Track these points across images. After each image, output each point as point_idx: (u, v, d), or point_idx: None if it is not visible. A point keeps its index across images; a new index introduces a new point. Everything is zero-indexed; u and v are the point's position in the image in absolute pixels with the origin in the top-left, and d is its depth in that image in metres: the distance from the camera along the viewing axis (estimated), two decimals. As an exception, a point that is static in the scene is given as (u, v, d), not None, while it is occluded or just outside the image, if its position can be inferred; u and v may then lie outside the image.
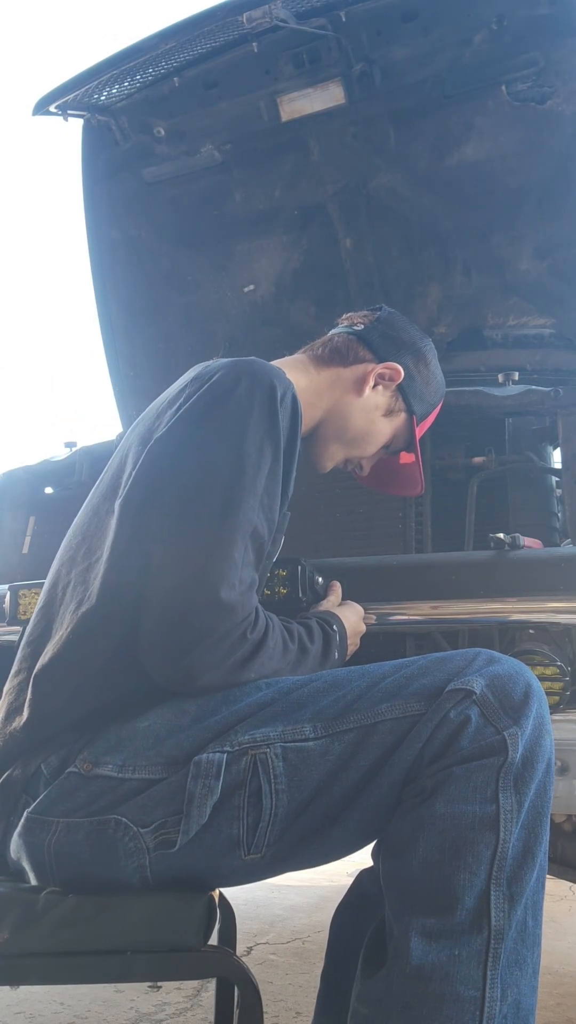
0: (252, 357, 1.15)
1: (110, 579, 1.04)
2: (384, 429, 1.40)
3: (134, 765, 0.94)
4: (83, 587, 1.07)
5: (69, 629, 1.04)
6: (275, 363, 1.26)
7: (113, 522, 1.08)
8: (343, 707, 0.94)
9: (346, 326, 1.43)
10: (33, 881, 0.98)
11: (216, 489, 1.01)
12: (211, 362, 1.16)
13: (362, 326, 1.41)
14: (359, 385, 1.35)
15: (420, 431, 1.45)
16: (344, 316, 1.46)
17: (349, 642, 1.22)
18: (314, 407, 1.33)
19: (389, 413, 1.39)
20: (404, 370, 1.37)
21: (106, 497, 1.14)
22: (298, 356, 1.40)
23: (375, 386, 1.36)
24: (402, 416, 1.41)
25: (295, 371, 1.30)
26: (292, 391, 1.11)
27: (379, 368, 1.36)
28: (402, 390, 1.38)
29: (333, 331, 1.43)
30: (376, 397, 1.37)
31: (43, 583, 1.18)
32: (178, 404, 1.10)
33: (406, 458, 1.48)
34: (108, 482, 1.16)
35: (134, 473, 1.08)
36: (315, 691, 0.97)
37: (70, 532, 1.19)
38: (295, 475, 1.14)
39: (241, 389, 1.06)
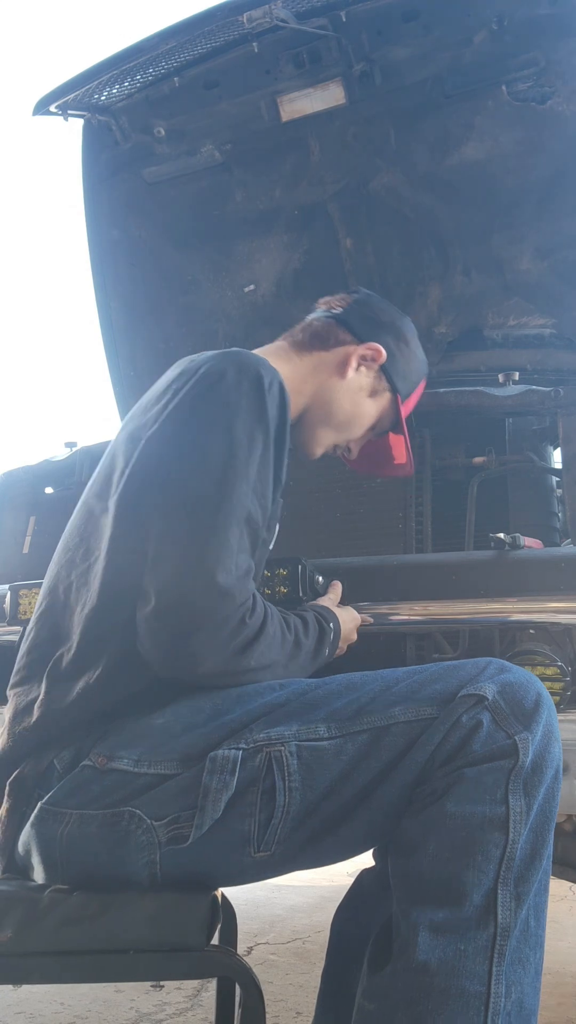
0: (237, 348, 1.16)
1: (109, 576, 1.04)
2: (370, 410, 1.40)
3: (150, 760, 0.95)
4: (86, 588, 1.07)
5: (78, 632, 1.05)
6: (256, 352, 1.26)
7: (109, 520, 1.08)
8: (357, 709, 0.95)
9: (324, 310, 1.43)
10: (40, 874, 0.98)
11: (209, 477, 1.01)
12: (196, 356, 1.16)
13: (340, 309, 1.41)
14: (342, 368, 1.35)
15: (405, 410, 1.45)
16: (321, 300, 1.47)
17: (339, 646, 1.22)
18: (299, 393, 1.34)
19: (374, 394, 1.40)
20: (386, 350, 1.38)
21: (100, 496, 1.14)
22: (278, 343, 1.40)
23: (358, 368, 1.37)
24: (387, 396, 1.41)
25: (277, 359, 1.30)
26: (279, 379, 1.11)
27: (361, 349, 1.36)
28: (385, 370, 1.39)
29: (311, 316, 1.44)
30: (360, 379, 1.37)
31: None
32: (166, 400, 1.11)
33: (394, 439, 1.49)
34: (100, 482, 1.16)
35: (128, 471, 1.09)
36: (329, 693, 0.98)
37: (65, 534, 1.19)
38: (288, 462, 1.15)
39: (228, 380, 1.07)
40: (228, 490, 1.00)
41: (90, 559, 1.10)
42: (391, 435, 1.49)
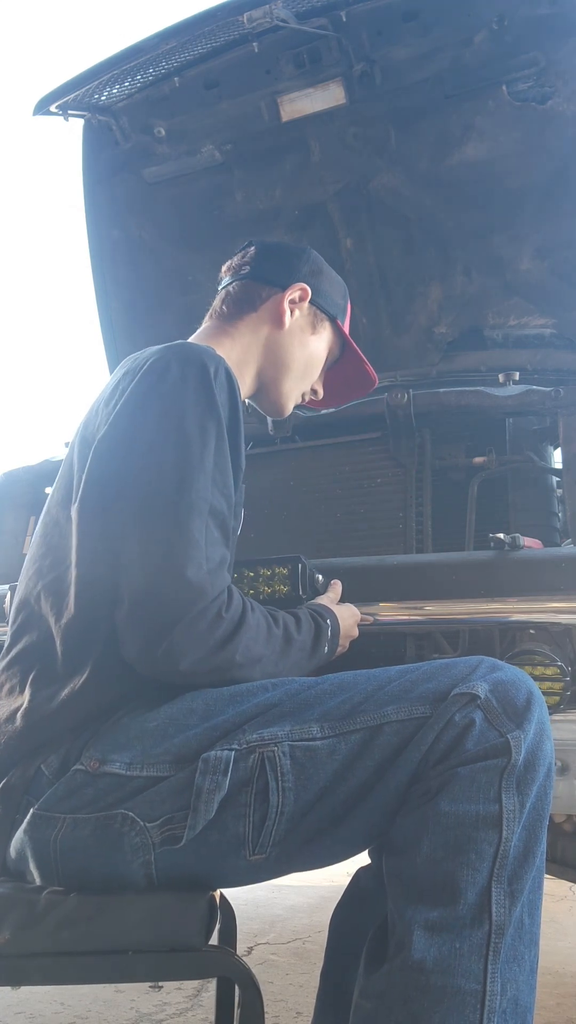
0: (180, 340, 1.16)
1: (83, 585, 1.05)
2: (319, 345, 1.43)
3: (142, 763, 0.94)
4: (56, 597, 1.07)
5: (60, 640, 1.05)
6: (192, 339, 1.27)
7: (73, 529, 1.08)
8: (350, 708, 0.95)
9: (232, 275, 1.44)
10: (36, 879, 0.98)
11: (165, 474, 1.01)
12: (140, 353, 1.16)
13: (248, 268, 1.43)
14: (278, 319, 1.37)
15: (346, 330, 1.49)
16: (223, 268, 1.48)
17: (339, 642, 1.22)
18: (249, 362, 1.36)
19: (315, 329, 1.42)
20: (308, 284, 1.40)
21: (62, 505, 1.14)
22: (208, 325, 1.41)
23: (292, 312, 1.39)
24: (327, 325, 1.44)
25: (216, 339, 1.32)
26: (224, 365, 1.11)
27: (288, 294, 1.38)
28: (315, 303, 1.42)
29: (223, 285, 1.45)
30: (298, 321, 1.40)
31: None
32: (115, 401, 1.11)
33: (349, 360, 1.51)
34: (62, 489, 1.16)
35: (85, 477, 1.09)
36: (322, 693, 0.97)
37: (33, 543, 1.19)
38: (245, 448, 1.16)
39: (173, 373, 1.07)
40: (186, 486, 1.00)
41: (58, 569, 1.09)
42: (344, 363, 1.52)
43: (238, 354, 1.34)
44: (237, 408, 1.11)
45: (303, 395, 1.46)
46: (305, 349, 1.40)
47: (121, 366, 1.18)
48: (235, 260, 1.46)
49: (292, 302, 1.38)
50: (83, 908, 0.91)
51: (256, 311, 1.38)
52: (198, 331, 1.40)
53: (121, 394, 1.10)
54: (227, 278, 1.44)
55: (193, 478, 1.01)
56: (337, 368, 1.52)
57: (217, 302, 1.42)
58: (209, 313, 1.43)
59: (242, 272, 1.42)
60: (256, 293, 1.39)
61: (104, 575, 1.02)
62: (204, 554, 0.98)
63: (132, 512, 1.01)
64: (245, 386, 1.37)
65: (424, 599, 1.36)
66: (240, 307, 1.38)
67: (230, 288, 1.41)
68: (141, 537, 0.99)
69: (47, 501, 1.20)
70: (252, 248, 1.45)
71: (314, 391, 1.48)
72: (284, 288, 1.38)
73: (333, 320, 1.44)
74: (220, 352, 1.16)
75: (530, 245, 2.13)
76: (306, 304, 1.40)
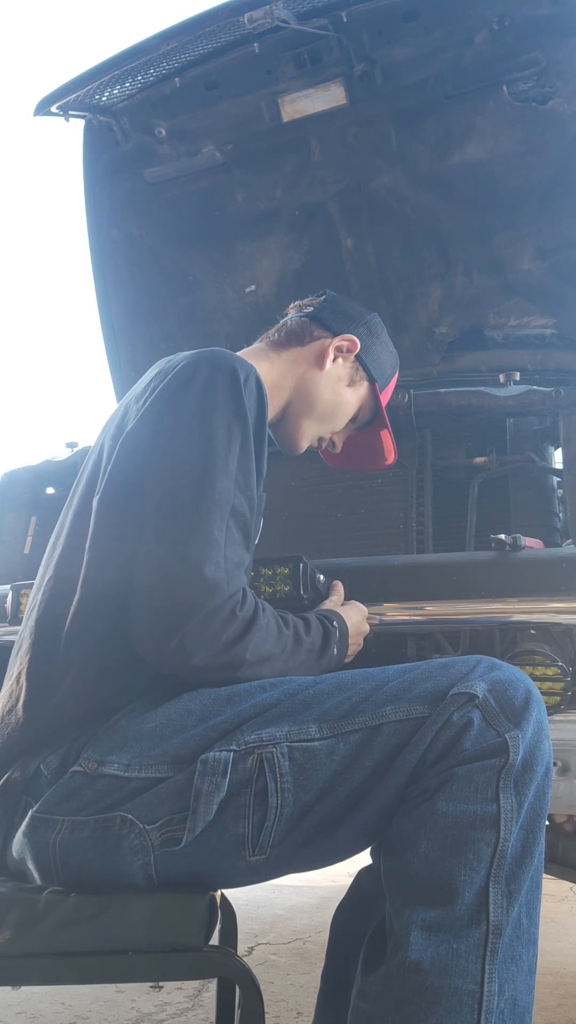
0: (214, 347, 1.17)
1: (91, 575, 1.06)
2: (350, 399, 1.45)
3: (140, 764, 0.94)
4: (67, 584, 1.08)
5: (63, 628, 1.05)
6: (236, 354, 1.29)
7: (91, 519, 1.10)
8: (348, 708, 0.95)
9: (295, 312, 1.49)
10: (37, 881, 0.98)
11: (189, 472, 1.02)
12: (173, 356, 1.18)
13: (311, 308, 1.47)
14: (320, 359, 1.40)
15: (383, 400, 1.50)
16: (292, 304, 1.53)
17: (351, 641, 1.22)
18: (280, 389, 1.38)
19: (352, 383, 1.44)
20: (359, 341, 1.43)
21: (85, 496, 1.15)
22: (256, 345, 1.44)
23: (335, 359, 1.42)
24: (365, 385, 1.46)
25: (256, 358, 1.34)
26: (255, 374, 1.13)
27: (336, 341, 1.42)
28: (361, 360, 1.44)
29: (285, 318, 1.49)
30: (338, 369, 1.42)
31: None
32: (144, 398, 1.13)
33: (374, 434, 1.53)
34: (86, 481, 1.17)
35: (109, 469, 1.11)
36: (320, 693, 0.97)
37: (54, 534, 1.21)
38: (268, 456, 1.17)
39: (203, 376, 1.09)
40: (208, 485, 1.01)
41: (73, 557, 1.10)
42: (371, 430, 1.53)
43: (272, 379, 1.36)
44: (263, 415, 1.13)
45: (320, 440, 1.47)
46: (337, 396, 1.43)
47: (155, 365, 1.20)
48: (305, 300, 1.51)
49: (338, 349, 1.42)
50: (84, 908, 0.91)
51: (303, 346, 1.41)
52: (244, 349, 1.42)
53: (151, 392, 1.12)
54: (291, 313, 1.49)
55: (216, 478, 1.02)
56: (362, 434, 1.54)
57: (273, 328, 1.47)
58: (261, 337, 1.47)
59: (305, 311, 1.47)
60: (309, 331, 1.43)
61: (112, 567, 1.03)
62: (223, 553, 0.99)
63: (152, 507, 1.02)
64: (270, 412, 1.38)
65: (425, 599, 1.36)
66: (290, 339, 1.42)
67: (288, 321, 1.46)
68: (160, 532, 1.00)
69: (71, 492, 1.21)
70: (324, 296, 1.50)
71: (332, 442, 1.49)
72: (335, 335, 1.42)
73: (373, 383, 1.46)
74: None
75: (530, 245, 2.13)
76: (351, 357, 1.43)
